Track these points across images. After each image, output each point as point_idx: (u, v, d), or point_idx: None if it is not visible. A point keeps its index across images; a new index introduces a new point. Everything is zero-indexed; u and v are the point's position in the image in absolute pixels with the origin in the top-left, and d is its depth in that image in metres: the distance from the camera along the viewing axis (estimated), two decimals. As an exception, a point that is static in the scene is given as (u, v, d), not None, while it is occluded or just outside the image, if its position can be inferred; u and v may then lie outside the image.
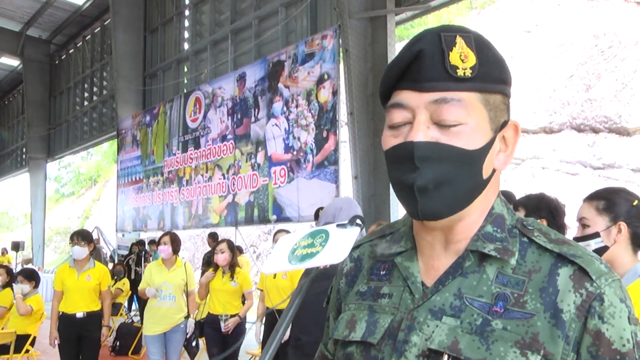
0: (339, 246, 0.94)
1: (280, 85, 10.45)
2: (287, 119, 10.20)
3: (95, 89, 19.50)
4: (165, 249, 6.49)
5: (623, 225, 2.30)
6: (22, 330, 7.38)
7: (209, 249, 10.87)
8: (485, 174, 1.02)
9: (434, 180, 0.98)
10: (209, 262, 8.86)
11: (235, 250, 6.66)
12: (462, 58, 0.98)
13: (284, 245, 1.01)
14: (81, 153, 28.83)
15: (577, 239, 2.35)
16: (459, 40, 0.99)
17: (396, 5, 9.07)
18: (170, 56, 15.38)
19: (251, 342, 7.42)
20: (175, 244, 6.61)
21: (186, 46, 14.84)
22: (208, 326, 6.36)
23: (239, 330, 6.35)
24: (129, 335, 9.37)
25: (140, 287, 6.71)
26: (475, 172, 1.01)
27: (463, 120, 0.98)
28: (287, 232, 6.42)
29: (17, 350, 7.30)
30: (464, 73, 0.97)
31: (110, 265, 13.03)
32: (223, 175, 11.89)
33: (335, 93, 9.25)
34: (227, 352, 5.72)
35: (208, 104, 12.55)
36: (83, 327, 6.23)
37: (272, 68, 10.72)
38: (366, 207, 8.72)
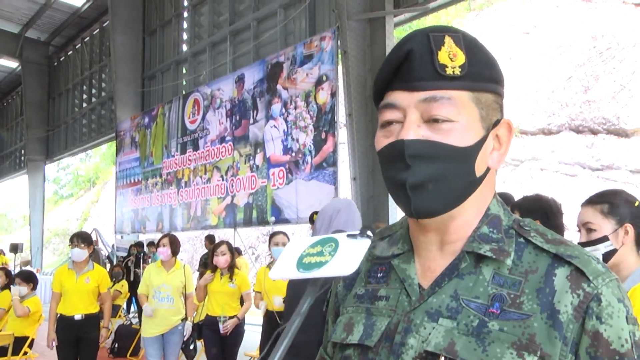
0: (348, 257, 0.93)
1: (278, 86, 10.45)
2: (286, 121, 10.20)
3: (94, 91, 19.49)
4: (164, 251, 6.49)
5: (630, 227, 2.30)
6: (20, 332, 7.37)
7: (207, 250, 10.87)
8: (479, 172, 1.02)
9: (425, 178, 0.98)
10: (205, 264, 8.86)
11: (234, 252, 6.67)
12: (450, 57, 0.99)
13: (292, 251, 1.00)
14: (80, 155, 28.86)
15: (584, 244, 2.34)
16: (448, 39, 1.00)
17: (395, 6, 9.07)
18: (169, 58, 15.37)
19: (250, 344, 7.42)
20: (175, 246, 6.60)
21: (185, 48, 14.84)
22: (206, 328, 6.36)
23: (238, 331, 6.35)
24: (127, 337, 9.35)
25: (139, 290, 6.70)
26: (468, 169, 1.01)
27: (454, 118, 0.98)
28: (284, 234, 6.41)
29: (15, 352, 7.29)
30: (453, 71, 0.98)
31: (108, 267, 13.02)
32: (222, 176, 11.88)
33: (333, 94, 9.25)
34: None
35: (207, 106, 12.55)
36: (81, 329, 6.23)
37: (270, 69, 10.72)
38: (365, 208, 8.72)
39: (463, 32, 1.03)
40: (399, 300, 1.06)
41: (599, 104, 14.49)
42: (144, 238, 14.63)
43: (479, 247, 1.02)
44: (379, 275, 1.13)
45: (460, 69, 0.98)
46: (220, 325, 6.18)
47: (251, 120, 11.12)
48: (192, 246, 22.46)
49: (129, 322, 10.62)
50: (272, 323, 5.87)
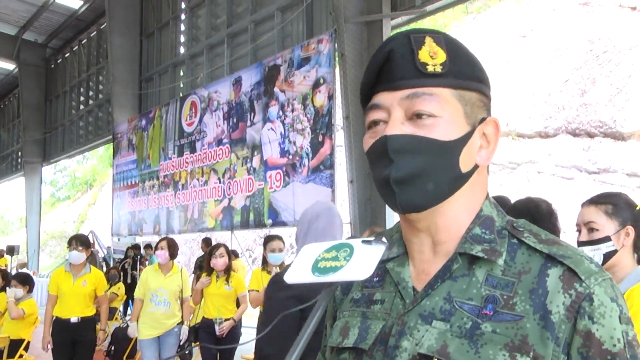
0: (363, 262, 0.93)
1: (276, 89, 10.45)
2: (283, 123, 10.20)
3: (91, 93, 19.47)
4: (162, 254, 6.49)
5: (631, 229, 2.34)
6: (16, 334, 7.35)
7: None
8: (465, 168, 1.03)
9: (409, 172, 0.99)
10: (201, 267, 8.85)
11: (230, 254, 6.69)
12: (431, 55, 1.00)
13: (307, 255, 1.01)
14: (77, 157, 28.82)
15: (584, 243, 2.37)
16: (428, 39, 1.01)
17: (392, 9, 9.08)
18: (166, 60, 15.37)
19: (246, 346, 7.40)
20: (173, 249, 6.60)
21: (182, 50, 14.84)
22: (203, 330, 6.36)
23: (234, 333, 6.36)
24: (124, 340, 9.32)
25: (136, 294, 6.69)
26: (452, 163, 1.01)
27: (436, 113, 1.00)
28: (280, 239, 6.41)
29: (11, 355, 7.27)
30: (434, 69, 1.00)
31: (104, 269, 13.01)
32: (219, 179, 11.87)
33: (331, 97, 9.26)
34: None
35: (204, 108, 12.55)
36: (77, 332, 6.24)
37: (268, 72, 10.73)
38: (362, 211, 8.73)
39: (444, 33, 1.04)
40: (394, 304, 1.07)
41: (595, 107, 14.52)
42: (140, 240, 14.62)
43: (471, 247, 1.02)
44: (374, 279, 1.13)
45: (441, 67, 1.00)
46: (216, 327, 6.18)
47: (248, 123, 11.12)
48: (189, 249, 22.44)
49: (126, 324, 10.59)
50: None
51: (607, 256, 2.33)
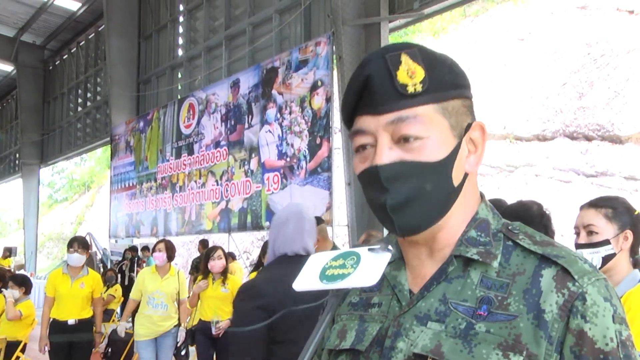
0: (370, 269, 0.95)
1: (274, 91, 10.46)
2: (281, 126, 10.20)
3: (89, 95, 19.47)
4: (160, 256, 6.49)
5: (630, 233, 2.35)
6: (13, 336, 7.34)
7: (202, 255, 10.85)
8: (456, 181, 1.04)
9: (405, 198, 1.00)
10: (198, 268, 8.85)
11: (227, 256, 6.70)
12: (409, 75, 0.99)
13: (315, 263, 1.03)
14: (75, 159, 28.77)
15: (584, 246, 2.38)
16: (404, 57, 1.00)
17: (390, 12, 9.09)
18: (164, 62, 15.37)
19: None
20: (170, 251, 6.62)
21: (180, 52, 14.85)
22: (199, 333, 6.36)
23: (231, 334, 6.35)
24: (120, 342, 9.31)
25: (132, 295, 6.69)
26: (445, 182, 1.02)
27: (423, 135, 1.00)
28: None
29: (8, 356, 7.26)
30: (415, 89, 0.99)
31: (101, 271, 12.99)
32: (216, 181, 11.87)
33: (328, 100, 9.26)
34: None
35: (202, 110, 12.55)
36: (74, 334, 6.24)
37: (265, 74, 10.73)
38: (359, 213, 8.73)
39: (418, 45, 1.04)
40: (390, 306, 1.08)
41: (593, 110, 14.52)
42: (138, 242, 14.60)
43: (466, 250, 1.03)
44: None
45: (421, 85, 0.99)
46: (213, 328, 6.17)
47: (246, 125, 11.13)
48: (187, 251, 22.40)
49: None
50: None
51: (606, 259, 2.35)
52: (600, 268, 2.32)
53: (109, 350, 9.30)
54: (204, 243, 11.37)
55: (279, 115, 10.28)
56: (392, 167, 0.99)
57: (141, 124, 14.91)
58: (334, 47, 9.16)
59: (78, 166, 42.34)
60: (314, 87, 9.54)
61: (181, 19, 14.86)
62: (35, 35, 21.19)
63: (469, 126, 1.06)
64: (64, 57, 21.23)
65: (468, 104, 1.07)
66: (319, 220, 5.61)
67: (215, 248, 6.61)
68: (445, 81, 1.02)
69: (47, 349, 6.20)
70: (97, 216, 31.34)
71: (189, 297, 6.84)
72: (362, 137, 1.04)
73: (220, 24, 13.34)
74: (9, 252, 19.81)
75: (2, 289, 7.75)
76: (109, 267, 14.42)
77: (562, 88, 15.50)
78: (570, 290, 0.95)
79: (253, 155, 10.86)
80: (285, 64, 10.26)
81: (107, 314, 10.57)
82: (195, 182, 12.56)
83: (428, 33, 21.10)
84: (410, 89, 0.99)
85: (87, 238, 13.60)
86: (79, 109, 19.93)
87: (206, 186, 12.18)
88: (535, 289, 0.97)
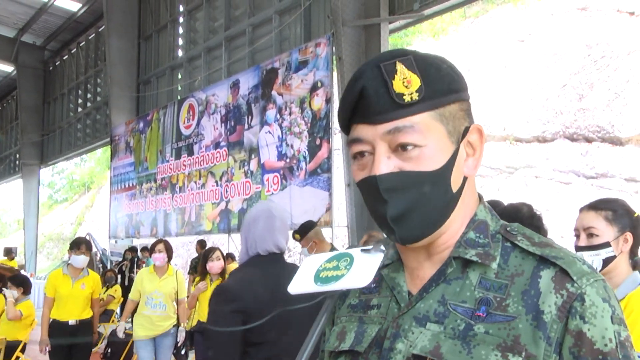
0: (363, 270, 0.97)
1: (273, 92, 10.46)
2: (281, 127, 10.20)
3: (89, 96, 19.47)
4: (161, 257, 6.51)
5: (630, 235, 2.36)
6: (12, 336, 7.34)
7: (202, 256, 10.85)
8: (455, 186, 1.04)
9: (404, 209, 1.00)
10: (196, 269, 8.85)
11: (225, 257, 6.71)
12: (405, 84, 0.99)
13: (309, 266, 1.04)
14: (75, 159, 28.78)
15: (584, 248, 2.39)
16: (400, 66, 1.00)
17: (390, 13, 9.09)
18: (164, 63, 15.38)
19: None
20: (170, 252, 6.64)
21: (180, 53, 14.85)
22: (198, 334, 6.35)
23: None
24: (120, 342, 9.31)
25: (131, 295, 6.69)
26: (444, 189, 1.02)
27: (421, 143, 0.99)
28: None
29: (8, 356, 7.26)
30: (411, 98, 0.99)
31: (101, 271, 12.99)
32: (216, 182, 11.87)
33: (328, 101, 9.26)
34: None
35: (201, 111, 12.55)
36: (75, 335, 6.25)
37: (265, 75, 10.73)
38: (359, 214, 8.73)
39: (413, 52, 1.03)
40: (389, 308, 1.08)
41: (593, 112, 14.52)
42: (137, 243, 14.60)
43: (465, 252, 1.04)
44: (372, 285, 1.14)
45: (417, 94, 0.99)
46: None
47: (246, 126, 11.13)
48: (187, 251, 22.39)
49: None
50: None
51: (606, 262, 2.35)
52: (600, 270, 2.32)
53: (109, 350, 9.30)
54: (201, 243, 11.37)
55: (278, 116, 10.28)
56: (391, 178, 0.99)
57: (141, 124, 14.92)
58: (333, 48, 9.16)
59: (78, 167, 42.35)
60: (313, 88, 9.54)
61: (181, 19, 14.87)
62: (35, 35, 21.20)
63: (466, 130, 1.06)
64: (64, 57, 21.24)
65: (465, 107, 1.07)
66: (311, 224, 5.64)
67: (213, 249, 6.61)
68: (442, 87, 1.02)
69: (47, 349, 6.20)
70: (97, 217, 31.34)
71: (187, 296, 6.84)
72: (360, 146, 1.04)
73: (220, 25, 13.34)
74: (10, 252, 19.82)
75: (3, 289, 7.75)
76: (108, 267, 14.43)
77: (562, 89, 15.50)
78: (569, 291, 0.95)
79: (253, 156, 10.86)
80: (285, 65, 10.26)
81: (107, 315, 10.57)
82: (195, 182, 12.56)
83: (428, 34, 21.11)
84: (407, 98, 0.99)
85: (87, 238, 13.58)
86: (79, 109, 19.94)
87: (206, 187, 12.18)
88: (533, 290, 0.97)
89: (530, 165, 15.19)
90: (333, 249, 5.69)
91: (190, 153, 12.82)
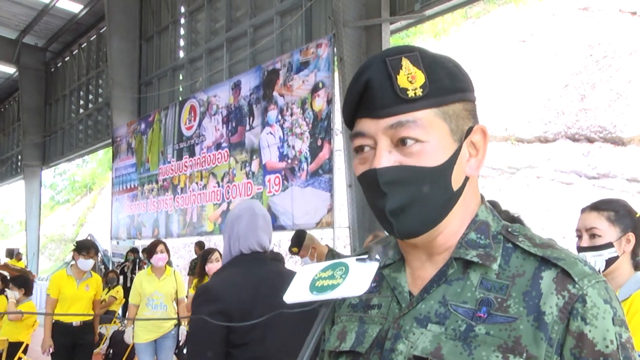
0: (358, 279, 0.97)
1: (275, 93, 10.45)
2: (282, 128, 10.20)
3: (90, 97, 19.47)
4: (163, 257, 6.55)
5: (632, 236, 2.36)
6: (15, 337, 7.36)
7: (203, 257, 10.84)
8: (456, 185, 1.04)
9: (403, 203, 1.00)
10: (194, 270, 8.85)
11: (222, 259, 6.71)
12: (410, 80, 0.99)
13: (305, 275, 1.04)
14: (76, 160, 28.81)
15: (587, 249, 2.39)
16: (405, 61, 1.00)
17: (391, 14, 9.09)
18: (166, 64, 15.38)
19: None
20: (169, 252, 6.68)
21: (181, 54, 14.85)
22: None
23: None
24: (122, 343, 9.31)
25: (131, 299, 6.69)
26: (444, 186, 1.02)
27: (423, 139, 1.00)
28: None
29: (10, 357, 7.28)
30: (415, 93, 0.99)
31: (103, 272, 13.01)
32: (218, 183, 11.87)
33: (329, 101, 9.26)
34: None
35: (203, 112, 12.55)
36: (78, 335, 6.28)
37: (267, 76, 10.73)
38: (360, 215, 8.73)
39: (419, 49, 1.04)
40: (390, 308, 1.09)
41: (595, 112, 14.52)
42: (139, 244, 14.60)
43: (466, 253, 1.04)
44: (372, 284, 1.13)
45: (421, 90, 0.99)
46: None
47: (247, 127, 11.12)
48: (188, 252, 22.36)
49: (124, 329, 10.59)
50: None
51: (609, 262, 2.36)
52: (603, 271, 2.33)
53: (111, 351, 9.32)
54: (200, 244, 11.36)
55: (280, 117, 10.28)
56: (391, 171, 1.00)
57: (142, 125, 14.92)
58: (335, 49, 9.16)
59: (80, 168, 42.37)
60: (315, 89, 9.53)
61: (182, 20, 14.86)
62: (37, 37, 21.21)
63: (470, 130, 1.06)
64: (66, 59, 21.25)
65: (470, 107, 1.07)
66: (302, 233, 5.68)
67: (212, 250, 6.62)
68: (446, 85, 1.02)
69: (51, 350, 6.22)
70: (99, 218, 31.36)
71: (187, 296, 6.85)
72: (363, 140, 1.04)
73: (221, 26, 13.34)
74: (18, 254, 19.88)
75: (5, 290, 7.77)
76: (110, 268, 14.44)
77: (564, 90, 15.49)
78: (570, 293, 0.96)
79: (254, 157, 10.85)
80: (286, 66, 10.26)
81: (109, 316, 10.57)
82: (197, 183, 12.56)
83: (429, 35, 21.10)
84: (411, 94, 0.99)
85: (94, 242, 13.62)
86: (81, 110, 19.94)
87: (207, 188, 12.18)
88: (535, 291, 0.97)
89: (532, 165, 15.18)
90: (330, 251, 5.72)
91: (192, 154, 12.82)
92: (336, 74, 9.20)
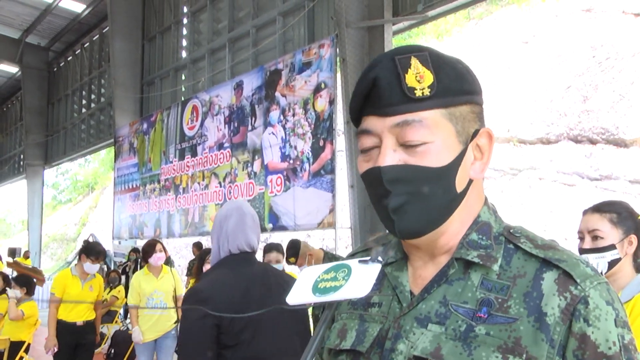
0: (361, 281, 0.97)
1: (277, 93, 10.45)
2: (284, 128, 10.20)
3: (93, 97, 19.51)
4: (162, 256, 6.55)
5: (634, 238, 2.36)
6: (16, 337, 7.35)
7: (204, 257, 10.83)
8: (460, 187, 1.04)
9: (406, 202, 1.00)
10: (192, 270, 8.85)
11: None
12: (418, 79, 0.99)
13: (308, 277, 1.04)
14: (79, 160, 28.82)
15: (589, 251, 2.39)
16: (414, 61, 1.00)
17: (393, 15, 9.09)
18: (168, 64, 15.39)
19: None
20: (166, 250, 6.73)
21: (184, 54, 14.86)
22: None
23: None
24: (123, 343, 9.33)
25: (130, 300, 6.68)
26: (447, 187, 1.02)
27: (428, 139, 1.00)
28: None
29: (12, 357, 7.27)
30: (422, 93, 0.99)
31: (105, 272, 13.00)
32: (219, 183, 11.87)
33: (332, 102, 9.26)
34: None
35: (205, 112, 12.55)
36: (80, 335, 6.32)
37: (269, 77, 10.73)
38: (362, 216, 8.72)
39: (429, 49, 1.04)
40: (391, 307, 1.08)
41: (597, 113, 14.51)
42: (141, 244, 14.59)
43: (467, 253, 1.04)
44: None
45: (429, 89, 0.99)
46: None
47: (249, 127, 11.12)
48: (190, 252, 22.42)
49: (126, 327, 10.60)
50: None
51: (612, 264, 2.36)
52: (605, 273, 2.33)
53: (112, 351, 9.32)
54: (198, 245, 11.35)
55: (282, 117, 10.28)
56: (395, 170, 1.00)
57: (145, 125, 14.93)
58: (337, 50, 9.16)
59: (82, 167, 42.41)
60: (317, 90, 9.53)
61: (185, 21, 14.87)
62: (39, 37, 21.25)
63: (476, 132, 1.05)
64: (68, 58, 21.29)
65: (477, 110, 1.07)
66: (297, 242, 5.70)
67: (209, 251, 6.61)
68: (454, 87, 1.02)
69: (55, 349, 6.23)
70: (101, 217, 31.39)
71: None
72: (368, 138, 1.04)
73: (223, 26, 13.34)
74: (13, 253, 19.89)
75: (7, 289, 7.77)
76: (112, 268, 14.44)
77: (567, 91, 15.49)
78: (572, 294, 0.95)
79: (256, 157, 10.85)
80: (288, 66, 10.26)
81: (110, 315, 10.59)
82: (199, 183, 12.56)
83: (432, 35, 21.09)
84: (418, 93, 0.99)
85: (90, 239, 13.59)
86: (83, 110, 19.97)
87: (209, 188, 12.18)
88: (536, 292, 0.97)
89: (534, 167, 15.17)
90: (327, 254, 5.73)
91: (194, 154, 12.83)
92: (338, 75, 9.20)
